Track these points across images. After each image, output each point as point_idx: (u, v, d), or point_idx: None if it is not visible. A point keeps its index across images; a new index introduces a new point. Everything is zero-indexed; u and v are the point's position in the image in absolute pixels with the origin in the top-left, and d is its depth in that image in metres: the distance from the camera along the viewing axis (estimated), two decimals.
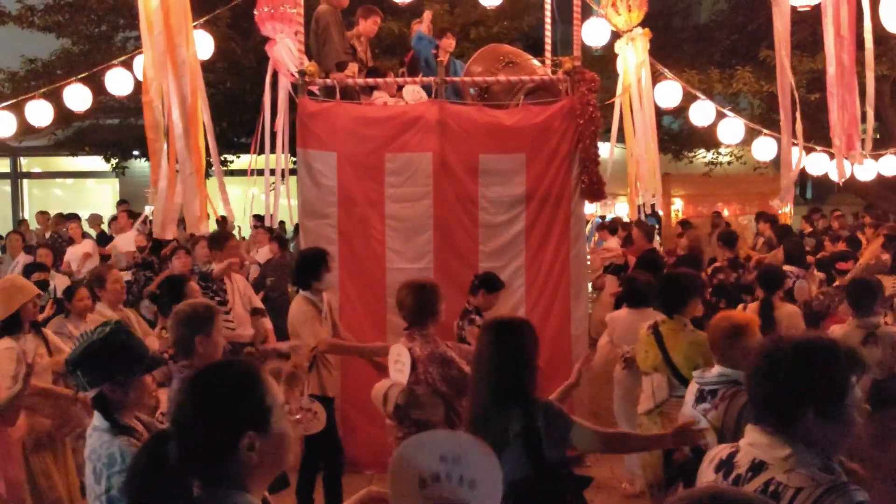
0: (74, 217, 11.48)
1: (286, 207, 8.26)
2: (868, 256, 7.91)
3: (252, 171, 7.91)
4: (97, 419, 2.64)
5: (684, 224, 11.50)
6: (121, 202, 13.30)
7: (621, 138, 8.10)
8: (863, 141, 6.62)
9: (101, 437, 2.59)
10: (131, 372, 2.64)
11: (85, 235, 11.17)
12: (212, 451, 1.76)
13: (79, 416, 4.68)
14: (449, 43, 7.76)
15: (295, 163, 6.57)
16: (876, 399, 4.04)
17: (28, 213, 19.06)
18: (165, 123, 5.71)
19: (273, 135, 7.39)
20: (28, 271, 7.26)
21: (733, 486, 2.01)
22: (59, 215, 12.43)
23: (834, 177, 8.73)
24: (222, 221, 12.59)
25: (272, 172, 7.71)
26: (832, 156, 7.33)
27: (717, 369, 3.56)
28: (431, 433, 2.14)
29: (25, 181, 20.56)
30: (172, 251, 7.66)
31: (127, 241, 10.07)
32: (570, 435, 3.12)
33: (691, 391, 3.67)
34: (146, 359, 2.72)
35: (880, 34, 6.10)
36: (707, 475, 2.19)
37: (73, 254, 10.05)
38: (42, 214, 13.42)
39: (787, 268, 7.20)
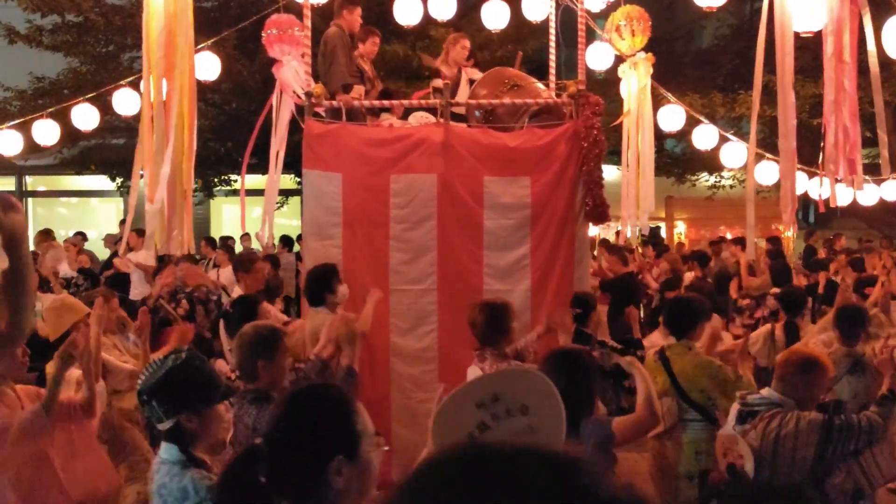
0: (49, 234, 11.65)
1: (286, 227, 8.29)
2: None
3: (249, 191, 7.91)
4: (166, 451, 2.53)
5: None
6: (124, 221, 13.35)
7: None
8: (869, 164, 6.64)
9: (171, 471, 2.48)
10: (209, 400, 2.55)
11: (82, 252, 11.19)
12: (301, 472, 1.77)
13: (133, 442, 4.63)
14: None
15: (299, 183, 6.60)
16: None
17: (32, 232, 19.10)
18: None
19: (277, 155, 7.42)
20: None
21: None
22: (42, 233, 12.40)
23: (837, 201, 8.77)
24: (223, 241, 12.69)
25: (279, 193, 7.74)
26: (837, 180, 7.35)
27: (763, 392, 3.63)
28: (453, 393, 2.04)
29: (30, 200, 20.63)
30: (157, 270, 7.62)
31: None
32: (612, 432, 3.27)
33: (733, 412, 3.74)
34: (221, 387, 2.65)
35: (882, 60, 6.13)
36: None
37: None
38: (41, 234, 13.41)
39: (774, 290, 7.30)
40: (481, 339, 4.33)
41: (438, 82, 6.75)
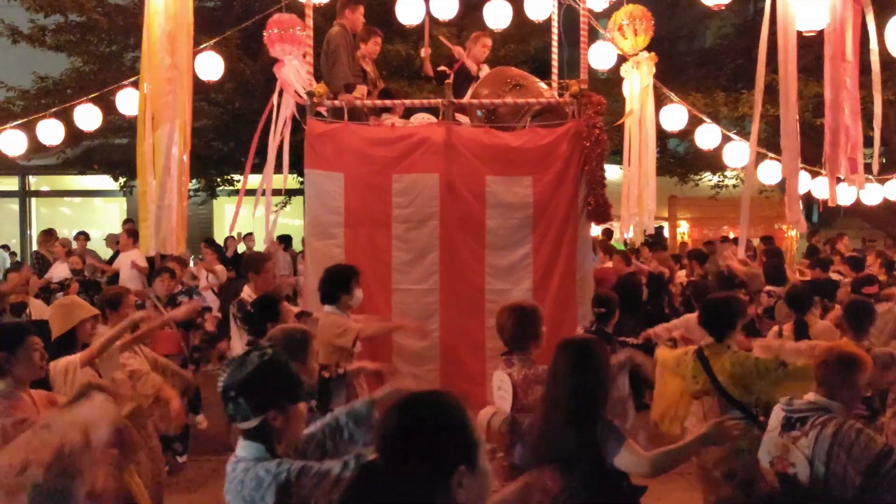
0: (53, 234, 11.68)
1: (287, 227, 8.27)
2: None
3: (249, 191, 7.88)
4: (244, 449, 2.45)
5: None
6: (126, 221, 13.35)
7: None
8: (869, 164, 6.62)
9: (246, 466, 2.42)
10: (295, 397, 2.48)
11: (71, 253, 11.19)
12: (424, 486, 1.67)
13: (138, 443, 4.61)
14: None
15: (301, 183, 6.60)
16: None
17: (35, 232, 19.14)
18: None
19: (278, 154, 7.42)
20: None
21: None
22: (44, 233, 12.39)
23: (837, 201, 8.76)
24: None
25: (275, 192, 7.72)
26: (839, 180, 7.33)
27: (808, 396, 3.50)
28: None
29: (34, 199, 20.66)
30: (157, 272, 7.56)
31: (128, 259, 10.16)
32: (617, 454, 3.15)
33: (776, 418, 3.58)
34: (304, 384, 2.57)
35: (885, 59, 6.12)
36: None
37: (56, 271, 10.15)
38: (44, 234, 13.42)
39: (768, 287, 7.29)
40: (510, 344, 4.21)
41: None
